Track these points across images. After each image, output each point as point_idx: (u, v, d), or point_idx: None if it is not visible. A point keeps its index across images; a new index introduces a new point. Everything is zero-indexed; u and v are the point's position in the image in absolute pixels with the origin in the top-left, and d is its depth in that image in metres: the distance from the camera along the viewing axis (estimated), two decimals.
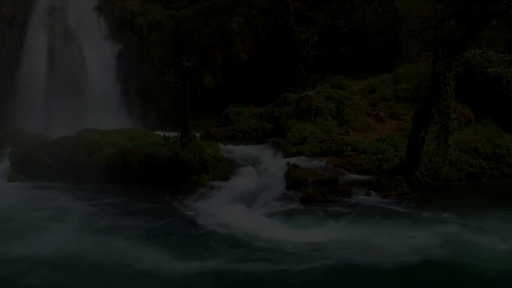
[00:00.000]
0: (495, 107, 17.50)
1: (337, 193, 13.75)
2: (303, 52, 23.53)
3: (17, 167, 16.54)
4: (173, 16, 25.40)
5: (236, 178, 15.14)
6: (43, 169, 16.24)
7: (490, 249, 9.92)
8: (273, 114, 19.54)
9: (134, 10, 26.15)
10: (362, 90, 19.70)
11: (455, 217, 11.85)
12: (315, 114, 18.10)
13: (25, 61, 24.60)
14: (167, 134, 16.55)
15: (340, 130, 17.29)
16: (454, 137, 14.11)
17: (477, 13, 12.59)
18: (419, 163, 14.24)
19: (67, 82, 23.94)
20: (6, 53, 25.15)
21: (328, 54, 23.31)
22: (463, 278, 8.97)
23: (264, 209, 12.95)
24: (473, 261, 9.43)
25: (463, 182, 14.85)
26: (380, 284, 8.91)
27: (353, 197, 13.70)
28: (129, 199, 14.11)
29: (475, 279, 8.96)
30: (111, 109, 23.47)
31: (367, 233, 11.05)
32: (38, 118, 23.12)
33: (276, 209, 12.98)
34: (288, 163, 15.09)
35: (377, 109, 18.56)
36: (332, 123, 17.80)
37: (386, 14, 23.67)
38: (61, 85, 23.77)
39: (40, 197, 14.39)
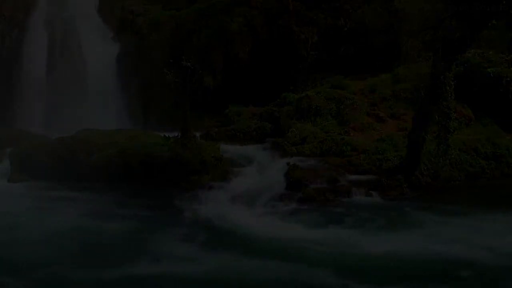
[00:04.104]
0: (495, 107, 17.51)
1: (337, 193, 13.77)
2: (303, 52, 23.50)
3: (17, 167, 16.51)
4: (173, 16, 25.36)
5: (236, 178, 15.12)
6: (43, 169, 16.20)
7: (490, 249, 9.93)
8: (273, 114, 19.50)
9: (134, 10, 26.12)
10: (362, 90, 19.68)
11: (455, 217, 11.87)
12: (315, 114, 18.10)
13: (25, 61, 24.60)
14: (167, 134, 16.54)
15: (340, 130, 17.28)
16: (454, 137, 14.12)
17: (477, 13, 12.61)
18: (419, 163, 14.24)
19: (67, 82, 23.91)
20: (6, 53, 25.14)
21: (328, 54, 23.29)
22: (463, 278, 8.97)
23: (264, 209, 12.97)
24: (473, 261, 9.44)
25: (463, 182, 14.84)
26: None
27: (353, 197, 13.73)
28: (130, 199, 14.10)
29: (475, 279, 8.97)
30: (111, 109, 23.45)
31: (367, 233, 11.06)
32: (38, 118, 23.12)
33: (276, 209, 12.98)
34: (288, 163, 15.08)
35: (377, 109, 18.55)
36: (332, 123, 17.80)
37: (386, 14, 23.62)
38: (61, 85, 23.76)
39: (60, 198, 14.08)
